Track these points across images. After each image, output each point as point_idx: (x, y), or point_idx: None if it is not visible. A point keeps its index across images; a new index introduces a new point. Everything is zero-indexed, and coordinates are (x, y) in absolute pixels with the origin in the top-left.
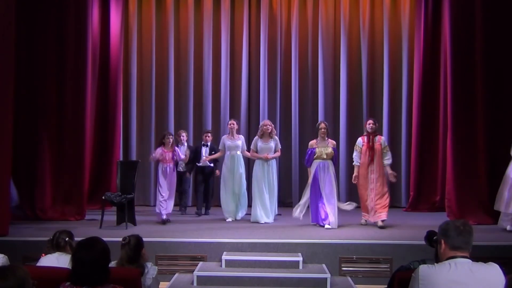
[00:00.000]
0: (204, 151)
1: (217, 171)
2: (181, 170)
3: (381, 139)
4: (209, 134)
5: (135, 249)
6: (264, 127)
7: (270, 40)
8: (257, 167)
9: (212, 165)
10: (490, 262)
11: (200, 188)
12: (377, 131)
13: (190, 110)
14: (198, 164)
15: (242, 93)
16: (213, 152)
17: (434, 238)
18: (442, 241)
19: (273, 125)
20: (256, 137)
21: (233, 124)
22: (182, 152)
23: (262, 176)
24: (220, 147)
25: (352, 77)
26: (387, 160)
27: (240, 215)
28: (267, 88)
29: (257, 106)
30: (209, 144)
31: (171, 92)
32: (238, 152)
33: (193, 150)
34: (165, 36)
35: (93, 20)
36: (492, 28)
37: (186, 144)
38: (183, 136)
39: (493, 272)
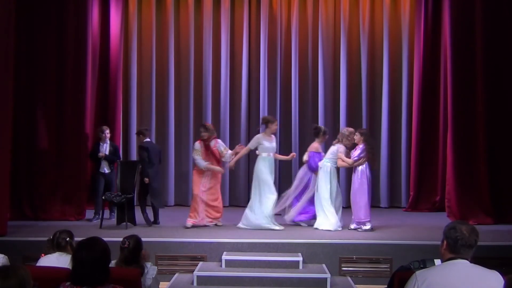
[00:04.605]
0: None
1: (145, 179)
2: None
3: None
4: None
5: (134, 251)
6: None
7: (270, 40)
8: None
9: None
10: (492, 270)
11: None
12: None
13: (190, 110)
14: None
15: (242, 93)
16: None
17: None
18: (445, 243)
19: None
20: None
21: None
22: (106, 150)
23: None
24: (251, 146)
25: (352, 77)
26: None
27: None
28: (267, 88)
29: (257, 106)
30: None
31: (171, 92)
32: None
33: (146, 149)
34: (165, 36)
35: (93, 20)
36: (492, 28)
37: (109, 141)
38: (106, 133)
39: (492, 277)
